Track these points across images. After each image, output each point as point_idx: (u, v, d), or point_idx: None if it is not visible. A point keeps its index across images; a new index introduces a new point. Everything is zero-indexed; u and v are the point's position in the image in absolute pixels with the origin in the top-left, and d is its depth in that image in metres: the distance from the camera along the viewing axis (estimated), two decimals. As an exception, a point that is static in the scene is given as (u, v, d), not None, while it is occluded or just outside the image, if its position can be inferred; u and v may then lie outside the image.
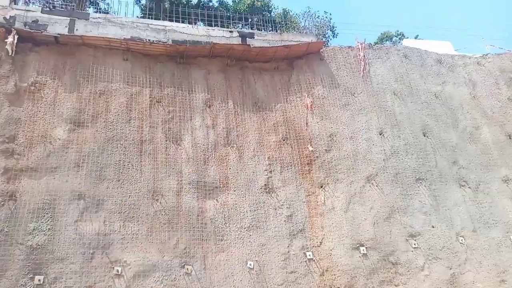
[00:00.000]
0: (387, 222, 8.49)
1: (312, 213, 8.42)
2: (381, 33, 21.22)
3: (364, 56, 10.46)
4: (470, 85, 11.12)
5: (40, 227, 6.78)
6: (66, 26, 8.75)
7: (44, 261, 6.57)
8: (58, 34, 8.50)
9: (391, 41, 20.74)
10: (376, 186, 8.87)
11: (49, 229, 6.80)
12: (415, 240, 8.43)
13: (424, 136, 9.87)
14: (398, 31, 21.32)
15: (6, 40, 8.00)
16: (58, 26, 8.66)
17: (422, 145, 9.67)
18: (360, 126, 9.55)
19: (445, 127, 10.16)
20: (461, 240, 8.65)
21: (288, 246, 7.90)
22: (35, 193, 7.04)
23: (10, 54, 7.97)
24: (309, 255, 7.89)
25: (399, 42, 19.05)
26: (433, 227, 8.66)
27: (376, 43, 17.19)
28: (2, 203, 6.79)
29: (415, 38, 18.00)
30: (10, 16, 8.40)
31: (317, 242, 8.12)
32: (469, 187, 9.44)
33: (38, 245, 6.64)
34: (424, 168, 9.36)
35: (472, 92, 11.01)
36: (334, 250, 8.04)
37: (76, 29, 8.79)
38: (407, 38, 15.51)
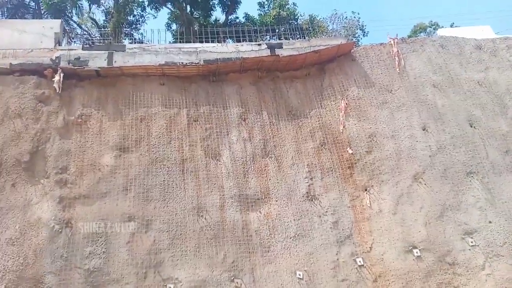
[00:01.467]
0: (439, 221, 8.05)
1: (359, 217, 8.19)
2: (414, 26, 20.49)
3: (398, 51, 10.14)
4: (516, 68, 10.39)
5: (95, 250, 7.17)
6: (105, 60, 9.34)
7: (101, 283, 6.92)
8: (99, 67, 9.08)
9: (425, 33, 19.95)
10: (425, 184, 8.47)
11: (103, 252, 7.18)
12: (471, 237, 7.89)
13: (471, 127, 9.30)
14: (431, 21, 20.49)
15: (53, 79, 8.68)
16: (98, 60, 9.27)
17: (470, 137, 9.12)
18: (401, 123, 9.22)
19: (493, 115, 9.52)
20: (524, 234, 8.00)
21: (336, 254, 7.73)
22: (89, 218, 7.48)
23: (57, 91, 8.61)
24: (360, 261, 7.65)
25: (434, 32, 18.27)
26: (490, 222, 8.07)
27: (409, 36, 16.64)
28: (60, 230, 7.29)
29: (451, 26, 17.19)
30: (55, 56, 9.13)
31: (366, 248, 7.86)
32: (526, 177, 8.74)
33: (95, 268, 7.02)
34: (475, 161, 8.81)
35: (519, 75, 10.26)
36: (386, 255, 7.74)
37: (115, 61, 9.34)
38: (442, 27, 14.86)
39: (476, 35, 11.00)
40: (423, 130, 9.16)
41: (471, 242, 7.84)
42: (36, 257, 7.00)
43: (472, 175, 8.64)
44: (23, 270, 6.85)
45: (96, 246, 7.23)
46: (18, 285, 6.74)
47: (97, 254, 7.15)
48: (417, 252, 7.69)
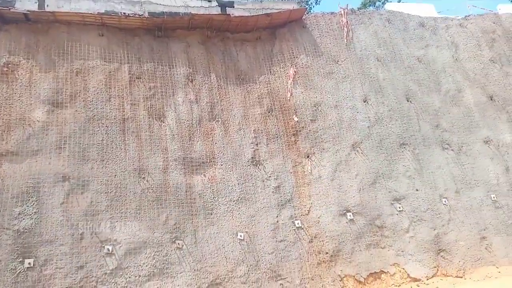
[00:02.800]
0: (372, 187, 8.67)
1: (300, 183, 8.51)
2: (364, -2, 20.83)
3: (347, 22, 10.29)
4: (453, 48, 11.10)
5: (25, 211, 6.71)
6: (35, 2, 8.34)
7: (33, 244, 6.54)
8: (28, 10, 8.08)
9: (374, 6, 20.39)
10: (361, 153, 8.98)
11: (35, 212, 6.74)
12: (399, 203, 8.65)
13: (408, 101, 9.92)
14: (381, -5, 20.94)
15: (-29, 19, 7.61)
16: (26, 2, 8.25)
17: (405, 111, 9.74)
18: (344, 94, 9.53)
19: (428, 91, 10.22)
20: (444, 201, 8.92)
21: (277, 216, 8.03)
22: (18, 177, 6.91)
23: (-23, 34, 7.60)
24: (298, 223, 8.04)
25: (382, 7, 18.76)
26: (417, 190, 8.89)
27: (359, 9, 16.89)
28: (-15, 189, 6.68)
29: (398, 1, 17.70)
30: (-27, -7, 7.95)
31: (305, 211, 8.26)
32: (451, 150, 9.62)
33: (25, 229, 6.59)
34: (408, 133, 9.48)
35: (455, 54, 11.00)
36: (322, 218, 8.21)
37: (47, 5, 8.38)
38: (390, 2, 15.27)
39: (421, 13, 11.47)
40: (364, 102, 9.57)
41: (399, 207, 8.60)
42: (-45, 217, 6.39)
43: (404, 146, 9.32)
44: None
45: (27, 206, 6.74)
46: None
47: (27, 214, 6.69)
48: (350, 216, 8.27)
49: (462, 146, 9.71)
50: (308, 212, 8.26)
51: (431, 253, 8.34)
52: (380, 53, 10.30)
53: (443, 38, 11.16)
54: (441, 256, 8.38)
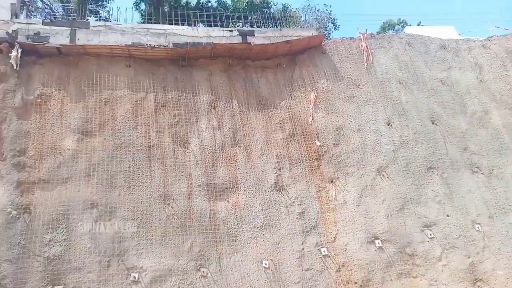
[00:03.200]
0: (400, 213, 8.42)
1: (324, 208, 8.38)
2: (383, 22, 20.97)
3: (366, 46, 10.36)
4: (477, 69, 10.95)
5: (55, 238, 6.84)
6: (67, 37, 8.79)
7: (62, 271, 6.63)
8: (60, 44, 8.54)
9: (393, 30, 20.49)
10: (387, 177, 8.80)
11: (64, 239, 6.86)
12: (430, 230, 8.33)
13: (433, 123, 9.75)
14: (400, 19, 21.07)
15: (10, 55, 8.07)
16: (59, 37, 8.71)
17: (431, 133, 9.56)
18: (367, 117, 9.47)
19: (454, 113, 10.03)
20: (478, 227, 8.53)
21: (302, 244, 7.88)
22: (49, 204, 7.11)
23: (15, 68, 8.04)
24: (324, 251, 7.85)
25: (401, 30, 18.82)
26: (448, 216, 8.56)
27: (378, 33, 17.02)
28: (18, 216, 6.87)
29: (418, 25, 17.75)
30: (12, 30, 8.47)
31: (331, 238, 8.08)
32: (482, 173, 9.30)
33: (55, 256, 6.70)
34: (435, 157, 9.25)
35: (479, 76, 10.83)
36: (349, 245, 7.99)
37: (78, 39, 8.82)
38: (410, 25, 15.33)
39: (441, 35, 11.45)
40: (388, 125, 9.47)
41: (430, 234, 8.28)
42: (-10, 244, 6.57)
43: (432, 170, 9.08)
44: (-26, 258, 6.40)
45: (57, 233, 6.89)
46: (-32, 274, 6.31)
47: (57, 241, 6.83)
48: (379, 243, 8.01)
49: (492, 169, 9.38)
50: (335, 239, 8.07)
51: (467, 283, 7.89)
52: (402, 76, 10.26)
53: (466, 59, 11.04)
54: (478, 287, 7.93)
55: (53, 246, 6.78)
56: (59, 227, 6.95)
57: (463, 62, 10.98)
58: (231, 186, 8.22)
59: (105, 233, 7.10)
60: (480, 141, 9.75)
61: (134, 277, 6.84)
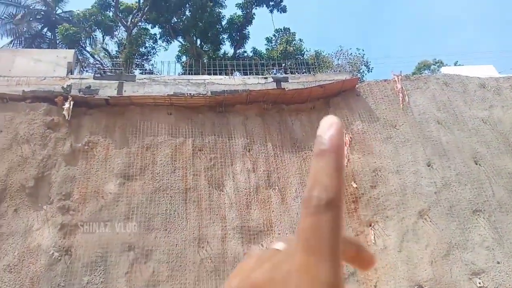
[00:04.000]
0: (446, 259, 7.85)
1: (363, 254, 7.99)
2: (418, 63, 20.87)
3: (401, 87, 10.31)
4: (521, 107, 10.47)
5: (93, 280, 7.04)
6: (115, 89, 9.55)
7: (98, 314, 6.75)
8: (108, 96, 9.29)
9: (429, 70, 20.28)
10: (430, 221, 8.34)
11: (101, 281, 7.04)
12: (479, 278, 7.66)
13: (476, 164, 9.27)
14: (436, 59, 20.89)
15: (63, 107, 8.88)
16: (108, 89, 9.49)
17: (475, 174, 9.07)
18: (405, 158, 9.21)
19: (498, 153, 9.50)
20: (533, 276, 7.75)
21: (340, 291, 7.49)
22: (89, 247, 7.40)
23: (66, 118, 8.79)
24: (364, 299, 7.42)
25: (438, 70, 18.57)
26: (498, 263, 7.86)
27: (414, 73, 16.90)
28: (59, 258, 7.20)
29: (455, 64, 17.49)
30: (67, 85, 9.37)
31: (371, 286, 7.64)
32: (534, 216, 8.59)
33: (92, 298, 6.87)
34: (481, 199, 8.69)
35: (524, 113, 10.33)
36: (391, 293, 7.50)
37: (124, 91, 9.55)
38: (446, 65, 15.12)
39: (480, 74, 11.18)
40: (428, 166, 9.13)
41: (479, 283, 7.60)
42: (33, 285, 6.88)
43: (478, 213, 8.51)
44: (19, 298, 6.71)
45: (95, 275, 7.10)
46: (13, 314, 6.59)
47: (95, 283, 7.02)
48: (423, 292, 7.46)
49: (547, 212, 8.62)
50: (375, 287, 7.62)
51: None
52: (440, 116, 10.01)
53: (508, 97, 10.61)
54: None
55: None
56: (97, 269, 7.17)
57: (506, 100, 10.55)
58: (265, 229, 8.15)
59: (140, 276, 7.21)
60: (530, 182, 9.09)
61: (167, 322, 6.79)
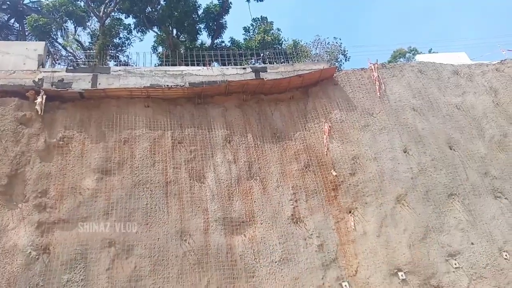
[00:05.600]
0: (423, 243, 8.11)
1: (344, 240, 8.18)
2: (394, 51, 21.18)
3: (378, 76, 10.46)
4: (492, 93, 10.82)
5: (73, 278, 6.91)
6: (89, 82, 9.27)
7: (79, 311, 6.63)
8: (82, 89, 9.01)
9: (405, 58, 20.63)
10: (407, 206, 8.57)
11: (82, 279, 6.91)
12: (455, 259, 7.96)
13: (451, 149, 9.56)
14: (410, 47, 21.25)
15: (35, 101, 8.56)
16: (82, 82, 9.19)
17: (450, 159, 9.36)
18: (383, 145, 9.39)
19: (471, 138, 9.83)
20: (505, 255, 8.10)
21: (322, 278, 7.65)
22: (68, 244, 7.23)
23: (39, 113, 8.49)
24: (345, 285, 7.59)
25: (413, 58, 18.92)
26: (472, 244, 8.19)
27: (390, 61, 17.19)
28: (37, 257, 7.01)
29: (429, 52, 17.86)
30: (38, 78, 9.03)
31: (352, 271, 7.83)
32: (505, 198, 8.95)
33: (73, 296, 6.74)
34: (455, 183, 9.00)
35: (495, 99, 10.69)
36: (371, 278, 7.71)
37: (99, 83, 9.28)
38: (421, 53, 15.42)
39: (453, 61, 11.46)
40: (404, 152, 9.35)
41: (455, 264, 7.90)
42: (9, 286, 6.68)
43: (453, 196, 8.80)
44: (-4, 299, 6.51)
45: (75, 273, 6.96)
46: (-10, 316, 6.40)
47: (75, 281, 6.88)
48: (402, 275, 7.70)
49: (517, 194, 9.00)
50: (356, 273, 7.81)
51: (499, 315, 7.43)
52: (416, 103, 10.23)
53: (480, 84, 10.96)
54: (511, 319, 7.44)
55: (71, 286, 6.83)
56: (77, 266, 7.03)
57: (478, 87, 10.89)
58: (248, 219, 8.18)
59: (122, 271, 7.12)
60: (501, 165, 9.46)
61: (151, 316, 6.75)
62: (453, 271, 7.83)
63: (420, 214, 8.45)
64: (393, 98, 10.25)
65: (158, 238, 7.61)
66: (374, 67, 10.60)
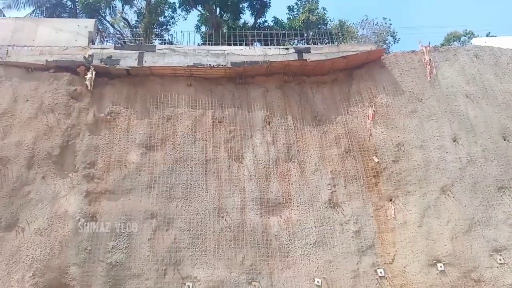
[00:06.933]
0: (467, 236, 7.74)
1: (382, 228, 8.01)
2: (448, 34, 19.82)
3: (430, 59, 9.87)
4: (556, 80, 9.90)
5: (118, 245, 7.33)
6: (135, 59, 9.54)
7: (122, 277, 7.06)
8: (129, 67, 9.30)
9: (459, 42, 19.31)
10: (453, 197, 8.18)
11: (126, 247, 7.32)
12: (500, 255, 7.54)
13: (505, 140, 8.92)
14: (466, 30, 19.80)
15: (85, 77, 8.96)
16: (129, 59, 9.48)
17: (503, 151, 8.75)
18: (430, 133, 8.95)
19: (529, 129, 9.11)
20: (557, 254, 7.58)
21: (357, 263, 7.58)
22: (113, 213, 7.65)
23: (89, 88, 8.89)
24: (381, 272, 7.48)
25: (468, 42, 17.66)
26: (521, 240, 7.71)
27: (443, 45, 16.17)
28: (85, 223, 7.48)
29: (487, 36, 16.57)
30: (88, 55, 9.42)
31: (388, 259, 7.68)
32: (562, 195, 8.30)
33: (117, 262, 7.17)
34: (507, 176, 8.42)
35: (559, 87, 9.78)
36: (408, 267, 7.52)
37: (145, 61, 9.53)
38: (478, 36, 14.31)
39: (513, 46, 10.56)
40: (454, 141, 8.87)
41: (500, 259, 7.49)
42: (62, 248, 7.22)
43: (503, 190, 8.27)
44: (50, 260, 7.07)
45: (119, 241, 7.38)
46: (45, 274, 6.96)
47: (119, 248, 7.30)
48: (441, 267, 7.44)
49: None
50: (393, 261, 7.66)
51: (545, 316, 7.00)
52: (469, 89, 9.60)
53: (543, 70, 10.04)
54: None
55: (115, 253, 7.26)
56: (121, 235, 7.44)
57: (540, 73, 9.99)
58: (284, 201, 8.20)
59: (162, 242, 7.45)
60: (561, 159, 8.72)
61: (189, 286, 7.07)
62: (497, 267, 7.43)
63: (466, 206, 8.04)
64: (444, 83, 9.68)
65: (197, 213, 7.85)
66: (426, 49, 10.01)
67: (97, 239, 7.36)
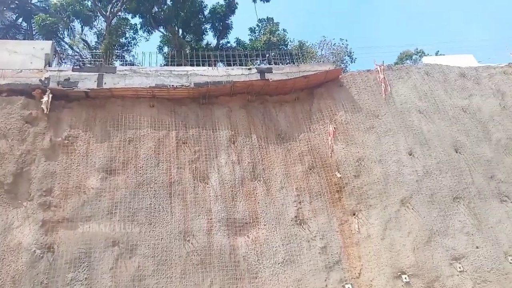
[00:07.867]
0: (427, 246, 8.05)
1: (347, 242, 8.14)
2: (400, 53, 21.06)
3: (384, 77, 10.38)
4: (499, 96, 10.71)
5: (77, 277, 6.93)
6: (95, 81, 9.29)
7: (83, 310, 6.66)
8: (88, 89, 9.04)
9: (411, 60, 20.50)
10: (412, 209, 8.51)
11: (85, 278, 6.94)
12: (460, 263, 7.89)
13: (457, 152, 9.48)
14: (417, 49, 21.12)
15: (41, 100, 8.61)
16: (88, 81, 9.22)
17: (455, 162, 9.28)
18: (388, 148, 9.34)
19: (477, 141, 9.75)
20: (511, 259, 8.02)
21: (325, 280, 7.63)
22: (72, 243, 7.26)
23: (45, 112, 8.53)
24: (349, 287, 7.55)
25: (419, 60, 18.80)
26: (477, 247, 8.11)
27: (396, 63, 17.08)
28: (41, 255, 7.04)
29: (436, 54, 17.75)
30: (45, 77, 9.07)
31: (355, 274, 7.79)
32: (511, 202, 8.86)
33: (77, 294, 6.77)
34: (461, 186, 8.92)
35: (502, 102, 10.58)
36: (375, 281, 7.67)
37: (105, 83, 9.30)
38: (428, 55, 15.28)
39: (460, 63, 11.37)
40: (410, 155, 9.29)
41: (459, 267, 7.84)
42: (14, 283, 6.72)
43: (458, 200, 8.73)
44: (1, 297, 6.56)
45: (79, 272, 6.99)
46: (-5, 313, 6.45)
47: (79, 280, 6.91)
48: (406, 278, 7.65)
49: (523, 198, 8.91)
50: (359, 275, 7.77)
51: (504, 320, 7.35)
52: (422, 105, 10.16)
53: (487, 87, 10.86)
54: (516, 325, 7.36)
55: (75, 285, 6.85)
56: (81, 265, 7.06)
57: (484, 90, 10.79)
58: (251, 220, 8.17)
59: (125, 271, 7.14)
60: (507, 169, 9.36)
61: (154, 316, 6.77)
62: (457, 275, 7.76)
63: (425, 217, 8.39)
64: (398, 100, 10.19)
65: (162, 238, 7.63)
66: (380, 68, 10.53)
67: (54, 271, 6.93)
